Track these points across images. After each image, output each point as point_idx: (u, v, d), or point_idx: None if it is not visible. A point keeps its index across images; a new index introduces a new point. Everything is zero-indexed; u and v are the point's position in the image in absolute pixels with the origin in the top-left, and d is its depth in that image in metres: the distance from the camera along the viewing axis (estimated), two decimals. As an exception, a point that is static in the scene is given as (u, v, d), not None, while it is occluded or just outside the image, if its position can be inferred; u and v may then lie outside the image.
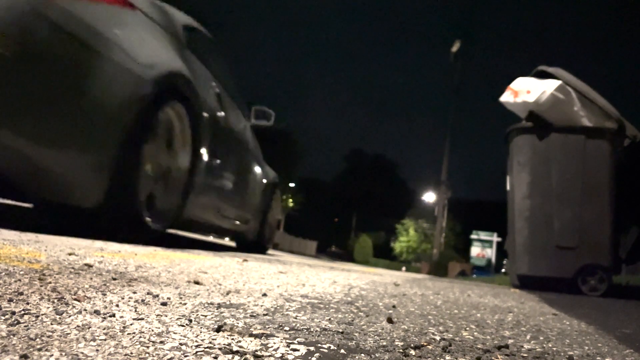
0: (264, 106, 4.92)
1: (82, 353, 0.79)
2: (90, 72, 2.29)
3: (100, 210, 2.53)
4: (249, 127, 4.71)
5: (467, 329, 1.61)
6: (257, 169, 4.83)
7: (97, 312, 1.06)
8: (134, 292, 1.36)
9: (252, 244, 5.13)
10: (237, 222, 4.41)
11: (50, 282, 1.28)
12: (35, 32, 2.02)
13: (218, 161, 3.66)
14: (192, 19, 3.71)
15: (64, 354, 0.78)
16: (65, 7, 2.17)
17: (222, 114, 3.73)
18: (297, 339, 1.10)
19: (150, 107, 2.64)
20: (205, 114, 3.30)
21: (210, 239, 8.29)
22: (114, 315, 1.06)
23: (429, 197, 40.26)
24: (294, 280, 2.52)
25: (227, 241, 7.63)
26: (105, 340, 0.88)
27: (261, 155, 5.13)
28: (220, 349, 0.94)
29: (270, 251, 6.62)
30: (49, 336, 0.85)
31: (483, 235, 35.90)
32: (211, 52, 3.92)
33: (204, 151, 3.34)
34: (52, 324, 0.92)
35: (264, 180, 5.10)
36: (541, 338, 1.60)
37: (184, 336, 0.98)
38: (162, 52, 2.87)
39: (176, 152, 3.14)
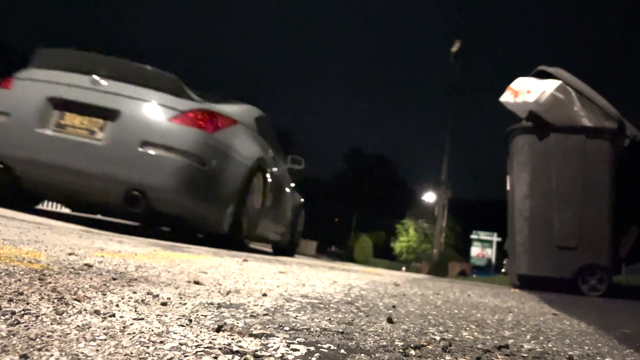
0: (297, 155, 6.71)
1: (82, 353, 0.79)
2: (226, 166, 4.23)
3: (228, 235, 4.41)
4: (286, 169, 6.42)
5: (467, 329, 1.60)
6: (290, 197, 6.43)
7: (97, 312, 1.06)
8: (134, 292, 1.36)
9: (284, 250, 6.83)
10: (278, 235, 6.19)
11: (50, 282, 1.28)
12: (210, 153, 4.00)
13: (272, 198, 5.41)
14: (258, 109, 5.39)
15: (64, 354, 0.78)
16: (217, 137, 4.11)
17: (275, 169, 5.56)
18: (297, 339, 1.10)
19: (249, 178, 4.56)
20: (268, 174, 5.15)
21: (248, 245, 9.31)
22: (114, 315, 1.06)
23: (429, 197, 40.25)
24: (294, 280, 2.52)
25: (260, 247, 9.05)
26: (105, 340, 0.88)
27: (291, 185, 6.62)
28: (220, 349, 0.94)
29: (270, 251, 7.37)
30: (49, 336, 0.85)
31: (483, 235, 35.90)
32: (267, 127, 5.58)
33: (268, 194, 5.17)
34: (52, 324, 0.92)
35: (293, 204, 6.69)
36: (541, 338, 1.60)
37: (184, 336, 0.99)
38: (251, 146, 4.73)
39: (255, 197, 4.87)
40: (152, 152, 3.60)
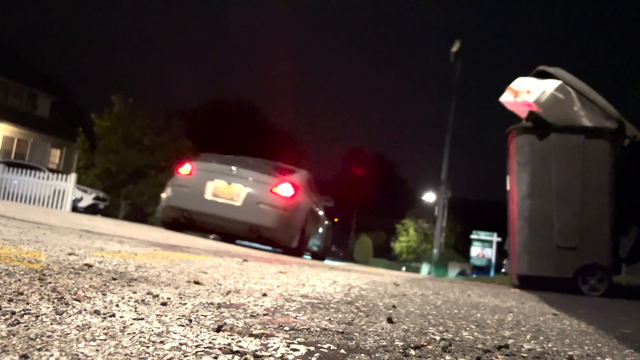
0: (328, 196, 8.50)
1: (82, 353, 0.79)
2: (296, 212, 6.62)
3: (295, 249, 6.53)
4: (322, 206, 8.38)
5: (467, 329, 1.60)
6: (323, 223, 8.66)
7: (97, 312, 1.06)
8: (134, 292, 1.35)
9: (319, 257, 8.72)
10: (316, 247, 8.39)
11: (50, 282, 1.28)
12: (289, 206, 6.65)
13: (315, 226, 7.66)
14: (308, 172, 7.66)
15: (64, 354, 0.78)
16: (293, 197, 6.60)
17: (317, 208, 7.74)
18: (297, 339, 1.10)
19: (305, 217, 6.73)
20: (320, 212, 8.03)
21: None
22: (114, 315, 1.06)
23: (429, 197, 40.21)
24: (294, 280, 2.52)
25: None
26: (105, 340, 0.88)
27: (323, 214, 8.67)
28: (220, 349, 0.94)
29: (270, 251, 7.44)
30: (49, 336, 0.85)
31: (483, 235, 35.84)
32: (312, 182, 7.69)
33: (313, 224, 7.32)
34: (52, 324, 0.92)
35: (325, 227, 8.89)
36: (541, 338, 1.60)
37: (184, 336, 0.98)
38: (306, 198, 6.95)
39: (307, 226, 6.93)
40: (262, 207, 6.27)
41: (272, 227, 6.18)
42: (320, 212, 8.13)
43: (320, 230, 8.30)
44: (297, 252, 6.63)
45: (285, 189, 6.35)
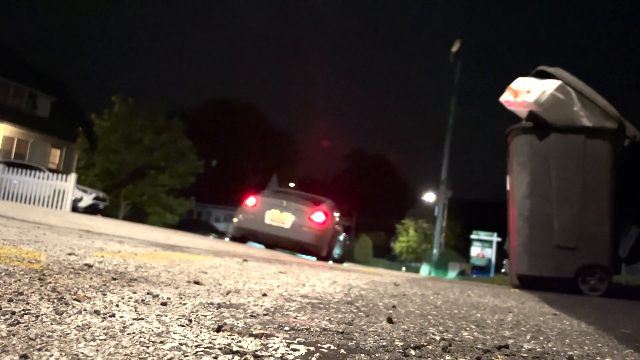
0: (349, 217, 12.94)
1: (82, 353, 0.79)
2: (327, 231, 9.13)
3: (326, 257, 8.94)
4: (341, 223, 10.70)
5: (467, 329, 1.60)
6: (341, 234, 10.72)
7: (97, 312, 1.06)
8: (134, 292, 1.35)
9: (339, 261, 10.45)
10: (337, 255, 10.32)
11: (50, 282, 1.28)
12: (323, 227, 9.28)
13: (336, 238, 9.71)
14: (332, 201, 9.95)
15: (64, 354, 0.78)
16: (326, 220, 9.10)
17: (337, 227, 9.75)
18: (297, 339, 1.10)
19: (333, 234, 9.43)
20: (339, 228, 10.30)
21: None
22: (114, 315, 1.06)
23: (429, 197, 40.20)
24: (294, 280, 2.52)
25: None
26: (105, 340, 0.88)
27: (340, 229, 10.65)
28: (220, 349, 0.94)
29: (269, 250, 7.48)
30: (49, 336, 0.85)
31: (483, 235, 35.83)
32: (335, 206, 9.90)
33: (336, 237, 9.72)
34: (52, 324, 0.92)
35: (343, 238, 11.12)
36: (541, 338, 1.60)
37: (184, 336, 0.98)
38: (333, 219, 9.52)
39: (331, 239, 9.21)
40: (303, 229, 8.54)
41: (309, 242, 8.68)
42: (339, 228, 10.57)
43: (341, 240, 10.95)
44: (326, 259, 9.06)
45: (318, 217, 8.85)
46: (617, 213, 4.83)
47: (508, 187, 5.36)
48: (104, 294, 1.26)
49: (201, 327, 1.08)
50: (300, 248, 8.79)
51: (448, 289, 3.64)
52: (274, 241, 8.70)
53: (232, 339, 1.02)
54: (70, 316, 1.00)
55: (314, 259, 8.81)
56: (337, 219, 10.10)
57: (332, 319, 1.42)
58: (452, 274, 32.36)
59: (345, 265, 10.30)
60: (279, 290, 1.96)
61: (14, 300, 1.04)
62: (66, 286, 1.27)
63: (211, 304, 1.39)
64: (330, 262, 9.18)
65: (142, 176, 21.73)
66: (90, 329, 0.92)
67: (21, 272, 1.34)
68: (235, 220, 9.38)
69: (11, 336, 0.81)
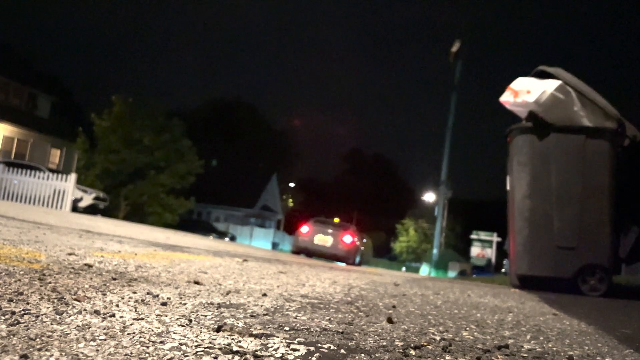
0: (366, 234, 17.34)
1: (82, 353, 0.79)
2: (368, 247, 19.15)
3: (353, 262, 13.28)
4: (362, 239, 15.09)
5: (467, 329, 1.60)
6: (363, 244, 15.03)
7: (97, 312, 1.06)
8: (134, 292, 1.35)
9: (359, 264, 13.33)
10: (359, 258, 13.86)
11: (50, 282, 1.28)
12: (357, 244, 14.67)
13: (360, 248, 14.47)
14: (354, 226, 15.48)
15: (64, 354, 0.78)
16: (355, 239, 13.80)
17: (359, 242, 14.40)
18: (297, 339, 1.10)
19: (361, 249, 14.91)
20: (358, 242, 14.33)
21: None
22: (114, 315, 1.06)
23: (429, 197, 40.19)
24: (294, 280, 2.52)
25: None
26: (105, 340, 0.88)
27: (363, 240, 15.08)
28: (220, 349, 0.94)
29: (269, 251, 7.43)
30: (49, 336, 0.85)
31: (483, 235, 35.82)
32: (359, 228, 16.85)
33: (361, 248, 14.61)
34: (52, 324, 0.92)
35: (365, 241, 15.57)
36: (541, 338, 1.60)
37: (184, 336, 0.98)
38: (363, 238, 16.61)
39: (359, 251, 13.97)
40: (339, 246, 12.57)
41: (343, 255, 12.50)
42: (359, 244, 14.21)
43: (362, 250, 14.90)
44: (352, 264, 12.25)
45: (347, 238, 12.77)
46: (617, 213, 4.83)
47: (508, 187, 5.35)
48: (104, 294, 1.26)
49: (201, 327, 1.08)
50: (336, 258, 12.79)
51: (448, 289, 3.64)
52: (320, 254, 12.78)
53: (232, 339, 1.02)
54: (70, 316, 1.00)
55: (344, 264, 11.98)
56: (358, 237, 14.46)
57: (332, 319, 1.42)
58: (452, 274, 32.36)
59: (362, 267, 12.42)
60: (279, 290, 1.96)
61: (14, 300, 1.04)
62: (66, 286, 1.27)
63: (211, 304, 1.39)
64: (354, 266, 12.60)
65: (142, 176, 21.72)
66: (90, 329, 0.92)
67: (21, 272, 1.34)
68: (294, 240, 13.90)
69: (11, 336, 0.81)
